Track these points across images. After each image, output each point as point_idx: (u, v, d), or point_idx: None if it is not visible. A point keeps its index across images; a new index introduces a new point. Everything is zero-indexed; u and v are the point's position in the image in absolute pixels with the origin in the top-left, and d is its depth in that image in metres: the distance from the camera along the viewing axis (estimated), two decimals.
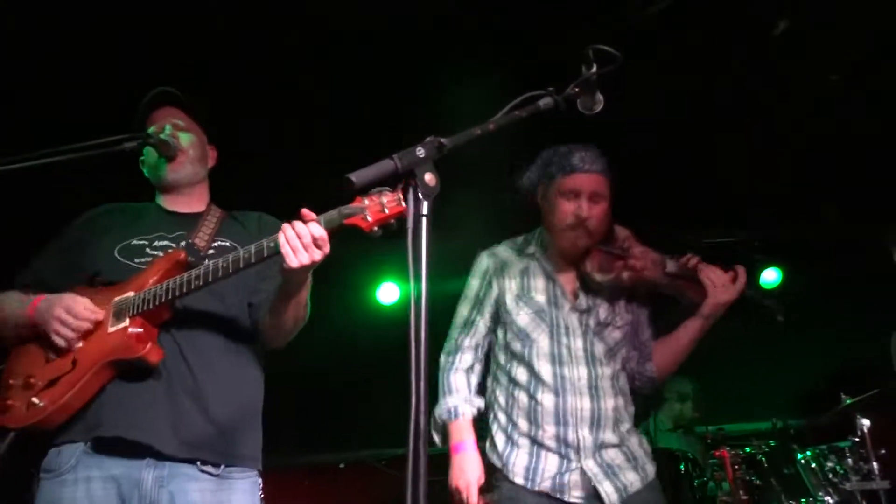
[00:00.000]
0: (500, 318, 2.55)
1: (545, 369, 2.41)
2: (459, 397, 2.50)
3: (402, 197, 1.56)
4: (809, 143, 4.36)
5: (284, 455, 5.77)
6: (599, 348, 2.44)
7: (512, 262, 2.56)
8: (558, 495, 2.35)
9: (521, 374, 2.46)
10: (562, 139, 2.51)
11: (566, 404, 2.38)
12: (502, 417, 2.49)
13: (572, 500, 2.35)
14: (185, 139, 2.20)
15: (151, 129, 2.22)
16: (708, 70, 3.83)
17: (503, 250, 2.62)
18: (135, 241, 2.11)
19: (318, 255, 1.75)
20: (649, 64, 3.45)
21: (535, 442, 2.40)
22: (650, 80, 3.66)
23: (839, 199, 4.91)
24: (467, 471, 2.38)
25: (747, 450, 4.23)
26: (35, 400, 1.93)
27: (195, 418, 1.96)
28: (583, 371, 2.41)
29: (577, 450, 2.36)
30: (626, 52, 1.56)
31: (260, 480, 2.09)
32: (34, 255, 2.22)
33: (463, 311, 2.60)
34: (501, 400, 2.51)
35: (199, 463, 1.94)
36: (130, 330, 1.94)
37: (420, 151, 1.36)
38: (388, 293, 5.62)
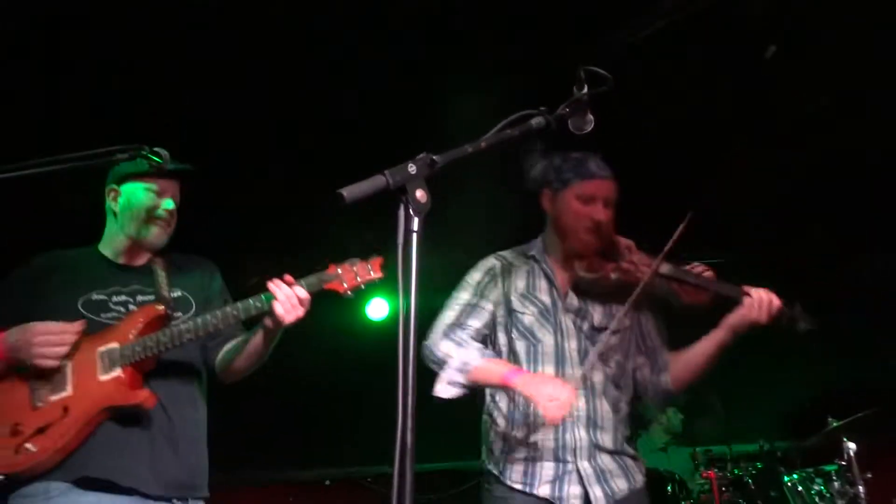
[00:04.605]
0: (502, 317, 2.49)
1: (548, 370, 2.40)
2: (470, 349, 2.37)
3: (371, 267, 2.17)
4: (798, 166, 4.40)
5: (270, 471, 5.73)
6: (593, 352, 2.42)
7: (518, 264, 2.56)
8: (557, 503, 2.31)
9: None
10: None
11: None
12: (501, 422, 2.44)
13: None
14: (174, 216, 2.30)
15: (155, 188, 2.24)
16: (700, 91, 3.87)
17: (508, 254, 2.61)
18: (95, 296, 2.20)
19: (301, 313, 2.12)
20: (644, 83, 3.48)
21: (534, 447, 2.36)
22: (643, 100, 3.71)
23: (827, 222, 4.96)
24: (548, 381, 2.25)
25: (735, 472, 4.24)
26: (28, 446, 2.01)
27: (169, 459, 2.13)
28: (577, 371, 2.38)
29: (574, 451, 2.34)
30: (623, 72, 1.56)
31: None
32: None
33: (463, 295, 2.50)
34: (503, 405, 2.45)
35: (174, 501, 2.12)
36: (125, 378, 2.08)
37: (412, 168, 1.36)
38: (377, 309, 5.61)
